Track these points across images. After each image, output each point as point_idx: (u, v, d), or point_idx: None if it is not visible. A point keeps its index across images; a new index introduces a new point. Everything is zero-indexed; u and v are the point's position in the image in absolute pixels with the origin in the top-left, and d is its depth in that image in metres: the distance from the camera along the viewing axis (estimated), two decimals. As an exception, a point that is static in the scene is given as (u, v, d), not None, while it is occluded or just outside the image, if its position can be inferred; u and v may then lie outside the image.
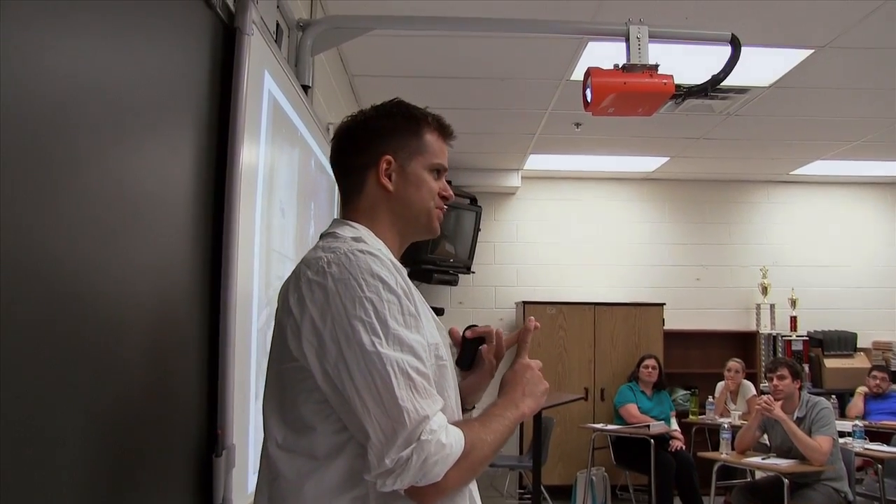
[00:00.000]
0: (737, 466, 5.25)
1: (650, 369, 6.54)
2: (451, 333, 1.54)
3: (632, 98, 2.82)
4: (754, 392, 6.52)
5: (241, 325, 1.92)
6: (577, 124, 5.67)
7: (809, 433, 4.52)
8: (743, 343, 7.54)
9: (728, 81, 3.02)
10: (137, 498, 1.51)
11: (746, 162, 7.09)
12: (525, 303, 7.14)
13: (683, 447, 6.16)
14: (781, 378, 4.70)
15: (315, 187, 3.04)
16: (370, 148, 1.45)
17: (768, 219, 7.82)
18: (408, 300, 1.28)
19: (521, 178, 7.45)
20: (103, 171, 1.33)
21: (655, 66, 2.79)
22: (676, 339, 7.28)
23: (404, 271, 1.35)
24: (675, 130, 5.96)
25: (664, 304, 7.24)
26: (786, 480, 4.43)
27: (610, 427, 6.39)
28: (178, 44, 1.69)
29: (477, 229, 7.01)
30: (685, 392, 7.05)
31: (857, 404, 6.55)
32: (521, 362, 1.47)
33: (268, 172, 2.26)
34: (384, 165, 1.43)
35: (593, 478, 6.24)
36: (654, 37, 2.83)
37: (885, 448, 5.23)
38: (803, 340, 7.40)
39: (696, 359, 7.41)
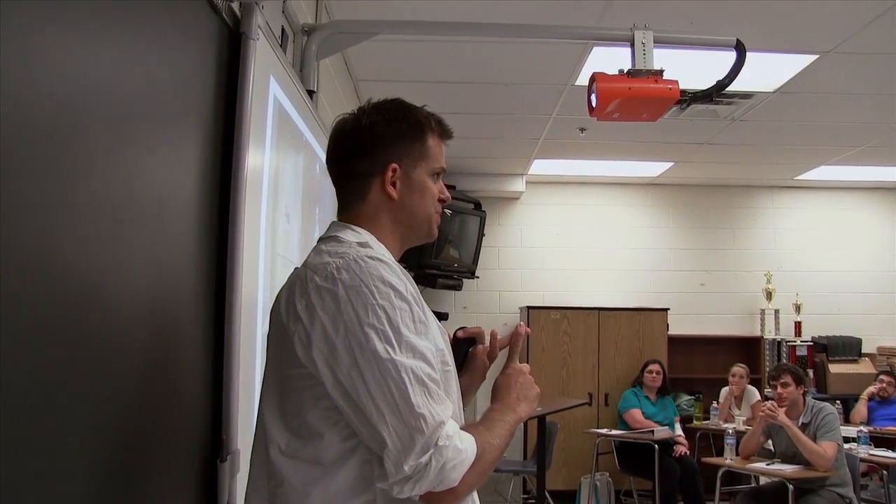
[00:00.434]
0: (741, 472, 5.25)
1: (654, 374, 6.53)
2: None
3: (637, 103, 2.81)
4: (758, 397, 6.50)
5: (246, 329, 1.92)
6: (582, 129, 5.68)
7: (814, 439, 4.50)
8: (747, 348, 7.52)
9: (733, 87, 3.02)
10: (142, 502, 1.51)
11: (751, 167, 7.08)
12: (529, 308, 7.13)
13: (688, 452, 6.15)
14: (785, 385, 4.69)
15: (320, 192, 3.04)
16: (375, 155, 1.43)
17: (773, 224, 7.81)
18: (418, 307, 1.28)
19: (526, 182, 7.45)
20: (109, 176, 1.33)
21: (660, 72, 2.79)
22: (680, 345, 7.27)
23: (411, 277, 1.35)
24: (679, 135, 5.96)
25: (668, 309, 7.22)
26: (790, 486, 4.42)
27: (614, 432, 6.38)
28: (183, 48, 1.69)
29: (481, 234, 7.01)
30: (689, 397, 7.03)
31: (860, 410, 6.54)
32: (513, 367, 1.48)
33: (273, 177, 2.26)
34: (390, 174, 1.42)
35: (597, 483, 6.23)
36: (659, 42, 2.83)
37: (890, 454, 5.22)
38: (808, 346, 7.39)
39: (701, 364, 7.40)
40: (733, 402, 6.61)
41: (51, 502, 1.16)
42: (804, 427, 4.59)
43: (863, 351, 7.45)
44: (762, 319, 7.56)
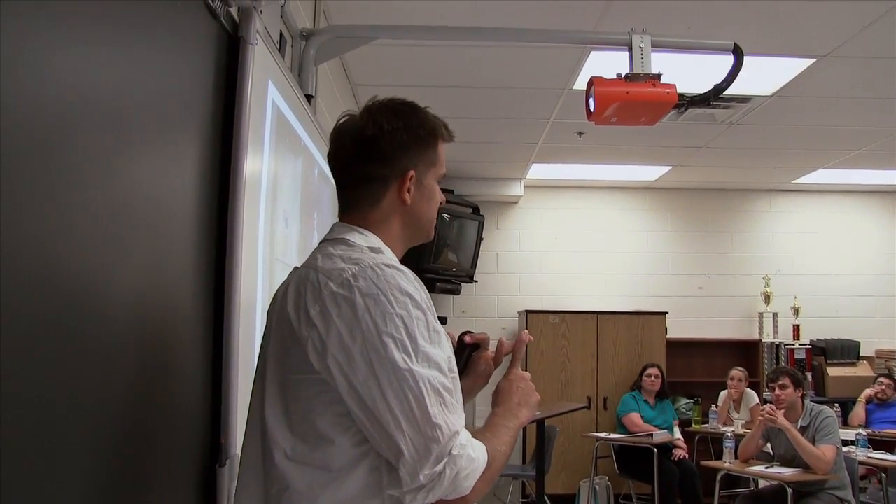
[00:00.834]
0: (740, 475, 5.24)
1: (653, 378, 6.54)
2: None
3: (635, 107, 2.82)
4: (757, 401, 6.50)
5: (245, 334, 1.92)
6: (580, 133, 5.68)
7: (813, 442, 4.50)
8: (746, 352, 7.52)
9: (731, 90, 3.02)
10: (141, 508, 1.51)
11: (749, 171, 7.09)
12: (528, 312, 7.13)
13: (686, 456, 6.15)
14: (783, 387, 4.69)
15: (318, 196, 3.05)
16: (395, 161, 1.41)
17: (771, 227, 7.82)
18: (432, 315, 1.28)
19: (524, 187, 7.46)
20: (107, 180, 1.33)
21: (658, 76, 2.79)
22: (679, 348, 7.27)
23: (423, 284, 1.34)
24: (677, 139, 5.97)
25: (667, 312, 7.23)
26: (789, 489, 4.42)
27: (613, 436, 6.38)
28: (182, 53, 1.69)
29: (479, 238, 7.01)
30: (688, 401, 7.04)
31: (858, 413, 6.55)
32: (515, 372, 1.50)
33: (271, 182, 2.26)
34: (408, 181, 1.42)
35: (596, 487, 6.23)
36: (657, 46, 2.83)
37: (888, 456, 5.22)
38: (806, 349, 7.40)
39: (699, 367, 7.40)
40: (732, 406, 6.62)
41: (50, 508, 1.16)
42: (803, 430, 4.59)
43: (861, 354, 7.46)
44: (760, 323, 7.57)
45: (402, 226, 1.45)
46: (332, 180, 1.50)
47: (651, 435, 6.03)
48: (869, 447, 5.30)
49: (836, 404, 6.27)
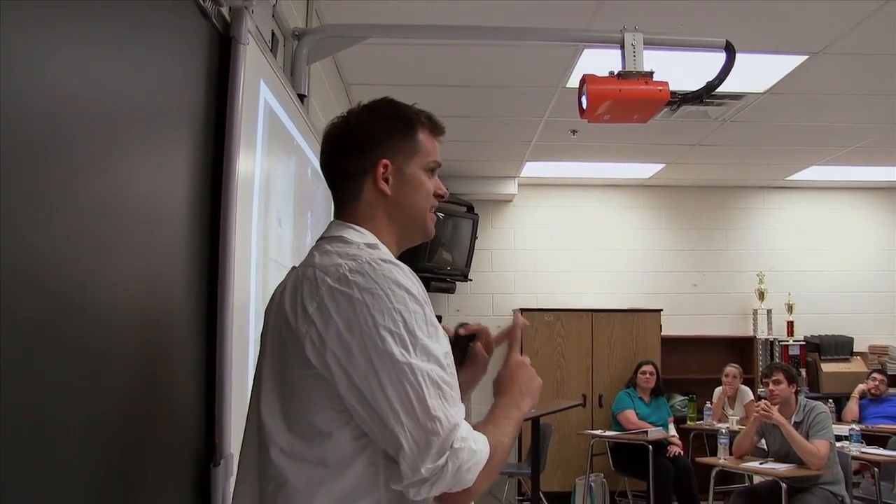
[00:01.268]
0: (735, 471, 5.26)
1: (648, 375, 6.55)
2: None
3: (627, 105, 2.82)
4: (752, 397, 6.52)
5: (239, 334, 1.92)
6: (574, 131, 5.69)
7: (807, 437, 4.52)
8: (740, 348, 7.54)
9: (723, 88, 3.03)
10: (135, 508, 1.51)
11: (742, 168, 7.10)
12: (522, 310, 7.13)
13: (681, 453, 6.17)
14: (777, 383, 4.71)
15: (311, 196, 3.04)
16: (366, 152, 1.43)
17: (765, 224, 7.84)
18: (430, 310, 1.29)
19: (518, 185, 7.46)
20: (98, 181, 1.33)
21: (651, 73, 2.80)
22: (674, 345, 7.29)
23: (419, 279, 1.35)
24: (670, 137, 5.98)
25: (661, 310, 7.25)
26: (783, 485, 4.43)
27: (608, 433, 6.40)
28: (173, 53, 1.69)
29: (474, 237, 7.01)
30: (683, 398, 7.05)
31: (852, 408, 6.58)
32: (515, 359, 1.49)
33: (264, 182, 2.26)
34: (381, 170, 1.42)
35: (592, 484, 6.24)
36: (649, 44, 2.83)
37: (881, 451, 5.25)
38: (800, 345, 7.41)
39: (694, 364, 7.42)
40: (727, 402, 6.64)
41: (43, 509, 1.16)
42: (796, 426, 4.60)
43: (855, 350, 7.48)
44: (755, 319, 7.59)
45: (389, 219, 1.45)
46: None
47: (646, 432, 6.05)
48: (862, 442, 5.32)
49: (830, 400, 6.31)
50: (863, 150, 6.26)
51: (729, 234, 7.81)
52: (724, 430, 5.35)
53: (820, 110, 5.27)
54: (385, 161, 1.43)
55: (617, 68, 2.82)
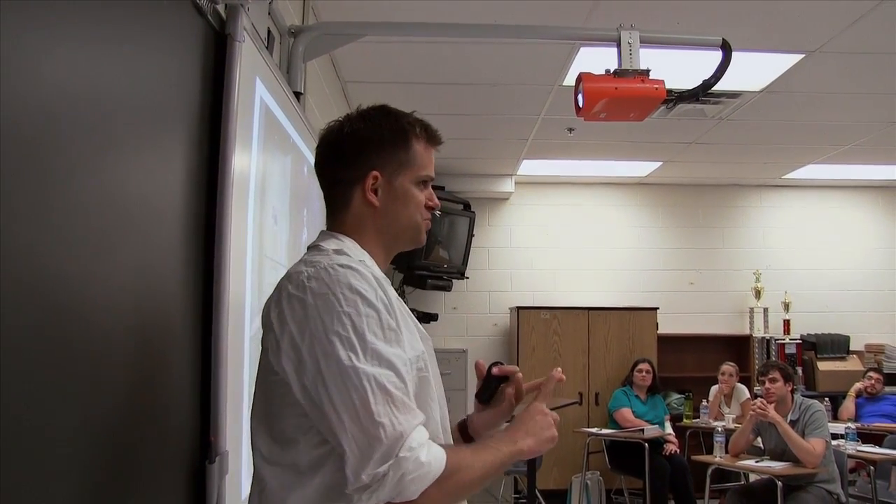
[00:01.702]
0: (731, 469, 5.27)
1: (644, 373, 6.56)
2: (476, 366, 1.57)
3: (623, 103, 2.82)
4: (748, 395, 6.52)
5: (234, 332, 1.92)
6: (571, 129, 5.69)
7: (803, 436, 4.53)
8: (737, 347, 7.55)
9: (720, 86, 3.03)
10: (130, 506, 1.51)
11: (739, 166, 7.11)
12: (519, 308, 7.13)
13: (678, 451, 6.17)
14: (773, 381, 4.72)
15: (308, 194, 3.04)
16: (357, 162, 1.42)
17: (761, 223, 7.84)
18: (388, 314, 1.27)
19: (515, 183, 7.46)
20: (94, 179, 1.33)
21: (647, 71, 2.80)
22: (670, 344, 7.29)
23: (388, 283, 1.35)
24: (667, 135, 5.98)
25: (658, 308, 7.25)
26: (779, 483, 4.44)
27: (604, 431, 6.40)
28: (168, 51, 1.69)
29: (471, 235, 7.01)
30: (679, 396, 7.05)
31: (848, 407, 6.58)
32: (538, 406, 1.45)
33: (260, 179, 2.26)
34: (371, 181, 1.42)
35: (588, 482, 6.24)
36: (646, 42, 2.83)
37: (877, 450, 5.25)
38: (796, 343, 7.42)
39: (690, 363, 7.42)
40: (723, 401, 6.64)
41: (37, 506, 1.16)
42: (793, 424, 4.61)
43: (851, 348, 7.49)
44: (751, 318, 7.60)
45: (376, 229, 1.45)
46: None
47: (642, 430, 6.05)
48: (858, 441, 5.33)
49: (827, 398, 6.33)
50: (859, 148, 6.27)
51: (725, 232, 7.82)
52: (720, 429, 5.35)
53: (816, 109, 5.27)
54: (375, 173, 1.42)
55: (613, 66, 2.82)
